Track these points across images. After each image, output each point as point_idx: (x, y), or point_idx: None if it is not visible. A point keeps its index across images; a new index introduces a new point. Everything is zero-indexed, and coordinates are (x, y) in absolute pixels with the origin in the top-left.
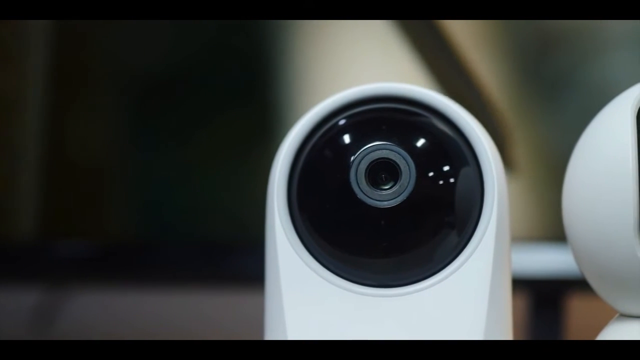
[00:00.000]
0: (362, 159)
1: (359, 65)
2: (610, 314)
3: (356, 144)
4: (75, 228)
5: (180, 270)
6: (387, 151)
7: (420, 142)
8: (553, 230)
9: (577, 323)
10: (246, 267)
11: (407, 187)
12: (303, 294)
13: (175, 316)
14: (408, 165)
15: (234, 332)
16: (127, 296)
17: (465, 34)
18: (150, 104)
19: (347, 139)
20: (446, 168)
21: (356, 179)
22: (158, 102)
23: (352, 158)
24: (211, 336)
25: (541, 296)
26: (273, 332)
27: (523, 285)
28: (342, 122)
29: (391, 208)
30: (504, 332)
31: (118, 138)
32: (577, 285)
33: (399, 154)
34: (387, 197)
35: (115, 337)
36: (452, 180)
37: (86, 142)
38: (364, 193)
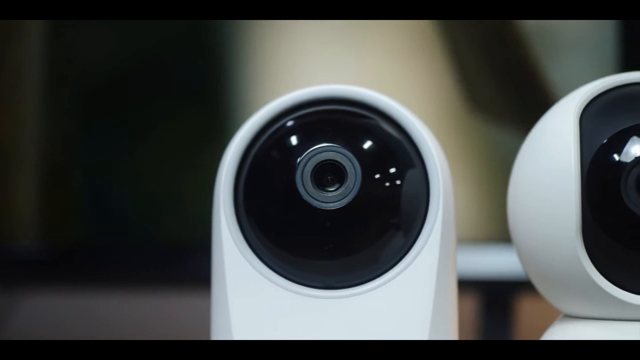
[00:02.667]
0: (308, 160)
1: (312, 66)
2: (559, 315)
3: (302, 145)
4: (28, 230)
5: (134, 272)
6: (333, 153)
7: (367, 144)
8: (503, 232)
9: (526, 324)
10: (198, 269)
11: (352, 189)
12: (249, 296)
13: (128, 317)
14: (354, 167)
15: (188, 333)
16: (79, 298)
17: (418, 34)
18: (103, 105)
19: (293, 140)
20: (392, 170)
21: (302, 180)
22: (112, 103)
23: (298, 160)
24: (164, 337)
25: (491, 297)
26: (219, 333)
27: (473, 286)
28: (289, 123)
29: (337, 210)
30: (449, 332)
31: (71, 140)
32: (527, 286)
33: (345, 155)
34: (333, 198)
35: (68, 339)
36: (398, 182)
37: (38, 143)
38: (309, 195)
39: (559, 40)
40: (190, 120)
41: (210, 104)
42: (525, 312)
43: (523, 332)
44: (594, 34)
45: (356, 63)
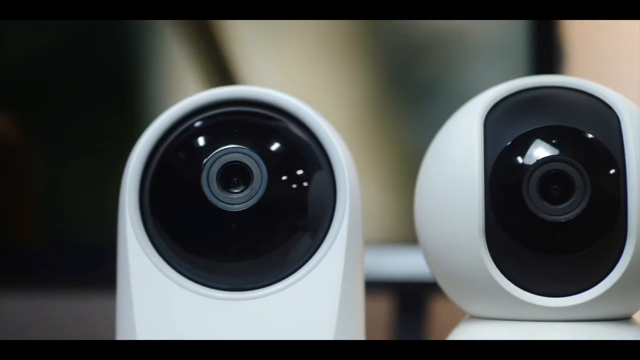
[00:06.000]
0: (214, 162)
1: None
2: None
3: (209, 146)
4: None
5: (52, 274)
6: (239, 154)
7: (274, 146)
8: (415, 233)
9: (439, 324)
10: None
11: (258, 190)
12: (154, 297)
13: (43, 319)
14: (260, 168)
15: (104, 334)
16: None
17: (333, 36)
18: (16, 104)
19: (200, 141)
20: (299, 172)
21: (207, 181)
22: (25, 102)
23: (204, 161)
24: (79, 338)
25: (404, 298)
26: (123, 334)
27: (386, 287)
28: (196, 124)
29: (242, 211)
30: (356, 332)
31: None
32: (439, 287)
33: (251, 157)
34: (239, 200)
35: None
36: (305, 184)
37: None
38: (215, 196)
39: (469, 42)
40: (107, 121)
41: (125, 105)
42: (438, 313)
43: (436, 332)
44: (505, 36)
45: (265, 64)
